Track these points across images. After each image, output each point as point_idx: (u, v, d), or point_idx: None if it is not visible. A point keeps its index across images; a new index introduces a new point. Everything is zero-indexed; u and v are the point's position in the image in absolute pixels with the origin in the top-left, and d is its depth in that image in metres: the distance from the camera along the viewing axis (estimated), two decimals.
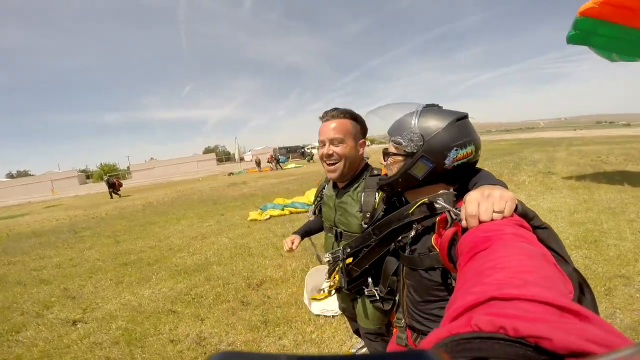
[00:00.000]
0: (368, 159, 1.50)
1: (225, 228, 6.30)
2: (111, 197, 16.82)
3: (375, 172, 1.39)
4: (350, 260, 1.20)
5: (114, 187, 17.17)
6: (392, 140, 0.90)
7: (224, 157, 65.14)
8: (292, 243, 1.68)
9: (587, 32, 6.48)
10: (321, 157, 1.38)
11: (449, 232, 0.70)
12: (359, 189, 1.39)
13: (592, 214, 4.72)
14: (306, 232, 1.80)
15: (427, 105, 0.91)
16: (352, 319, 1.67)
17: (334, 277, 1.32)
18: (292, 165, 26.97)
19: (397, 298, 1.17)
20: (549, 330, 0.26)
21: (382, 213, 1.17)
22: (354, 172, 1.42)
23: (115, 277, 4.10)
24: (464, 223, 0.64)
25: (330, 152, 1.33)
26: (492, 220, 0.60)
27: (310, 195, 7.73)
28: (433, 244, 0.85)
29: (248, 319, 2.69)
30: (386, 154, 0.95)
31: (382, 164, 1.01)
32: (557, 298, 0.32)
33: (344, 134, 1.33)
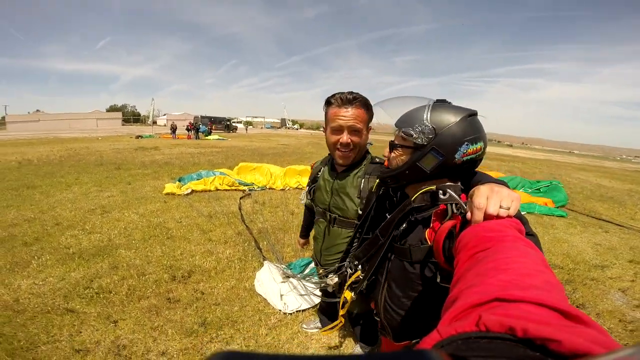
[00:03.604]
0: (372, 144, 1.49)
1: (134, 201, 5.31)
2: None
3: (377, 160, 1.41)
4: (358, 273, 1.15)
5: None
6: (402, 132, 0.89)
7: (132, 118, 56.63)
8: (299, 244, 1.99)
9: None
10: (334, 144, 1.34)
11: (447, 225, 0.71)
12: (359, 174, 1.40)
13: None
14: (309, 230, 1.93)
15: (438, 101, 0.92)
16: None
17: (344, 297, 1.21)
18: (215, 137, 25.01)
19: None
20: (558, 333, 0.26)
21: (374, 204, 1.16)
22: (358, 158, 1.44)
23: None
24: (468, 215, 0.65)
25: (349, 141, 1.32)
26: (498, 215, 0.61)
27: (242, 173, 7.19)
28: (426, 237, 0.86)
29: (179, 320, 2.24)
30: (393, 146, 0.95)
31: (384, 156, 1.00)
32: (560, 302, 0.32)
33: (363, 124, 1.33)
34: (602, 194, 9.82)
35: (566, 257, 4.07)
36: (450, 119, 0.85)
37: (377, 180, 1.17)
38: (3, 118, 41.35)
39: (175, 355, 1.92)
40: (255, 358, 0.22)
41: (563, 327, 0.28)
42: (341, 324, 1.33)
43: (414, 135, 0.87)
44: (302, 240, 2.01)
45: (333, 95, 1.32)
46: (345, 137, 1.30)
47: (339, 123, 1.29)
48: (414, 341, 1.03)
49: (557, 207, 6.60)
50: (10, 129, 35.44)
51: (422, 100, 0.92)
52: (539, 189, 7.89)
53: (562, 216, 6.07)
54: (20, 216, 4.35)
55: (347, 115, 1.28)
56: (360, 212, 1.33)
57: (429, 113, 0.87)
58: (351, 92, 1.30)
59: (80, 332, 2.07)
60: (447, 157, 0.85)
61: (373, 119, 1.37)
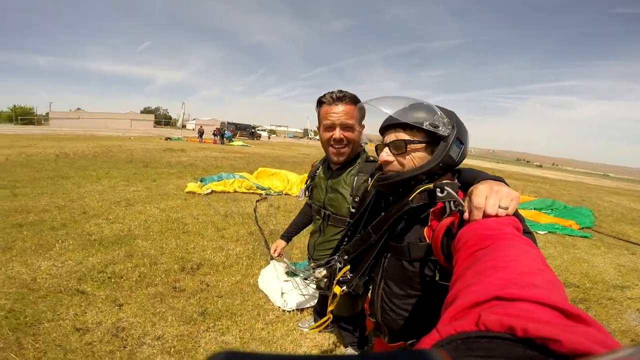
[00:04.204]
0: (367, 143, 1.51)
1: (157, 196, 5.55)
2: None
3: (372, 158, 1.42)
4: (347, 268, 1.13)
5: None
6: (428, 124, 0.85)
7: (164, 120, 59.96)
8: (275, 251, 1.78)
9: None
10: (328, 141, 1.38)
11: (445, 222, 0.71)
12: (352, 172, 1.41)
13: None
14: (292, 234, 1.85)
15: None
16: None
17: (334, 293, 1.19)
18: (240, 143, 25.74)
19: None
20: (559, 333, 0.26)
21: (371, 203, 1.11)
22: (353, 156, 1.45)
23: (3, 241, 3.21)
24: (466, 215, 0.65)
25: (342, 137, 1.34)
26: (496, 215, 0.61)
27: (260, 178, 7.34)
28: (425, 235, 0.85)
29: (181, 308, 2.28)
30: (409, 142, 0.87)
31: (385, 161, 0.92)
32: (561, 301, 0.32)
33: (354, 120, 1.34)
34: (634, 217, 9.19)
35: (584, 276, 3.88)
36: (453, 113, 0.88)
37: (373, 179, 1.13)
38: (47, 114, 45.24)
39: (169, 341, 1.94)
40: (255, 358, 0.21)
41: (563, 326, 0.28)
42: (329, 320, 1.31)
43: (440, 127, 0.85)
44: (281, 243, 1.80)
45: (324, 95, 1.35)
46: (337, 133, 1.33)
47: (331, 120, 1.33)
48: (408, 342, 1.00)
49: (582, 229, 6.25)
50: (52, 124, 38.82)
51: (405, 100, 0.92)
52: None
53: (585, 237, 5.73)
54: (52, 203, 4.64)
55: (338, 112, 1.32)
56: (352, 209, 1.34)
57: (438, 108, 0.87)
58: (340, 91, 1.33)
59: (85, 313, 2.15)
60: (465, 147, 0.87)
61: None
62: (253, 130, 40.33)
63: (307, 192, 1.66)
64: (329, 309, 1.23)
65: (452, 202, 0.74)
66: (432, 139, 0.87)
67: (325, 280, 1.25)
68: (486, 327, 0.29)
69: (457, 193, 0.74)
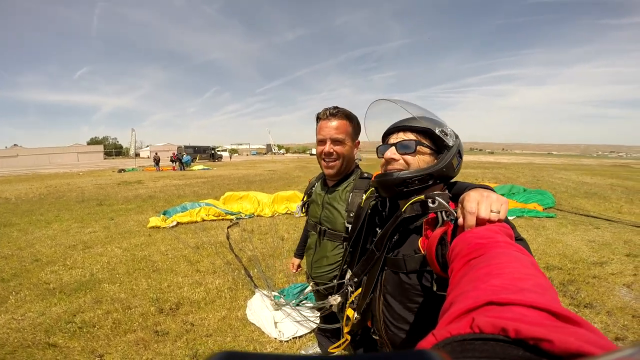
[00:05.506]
0: (361, 160, 1.57)
1: (117, 236, 5.20)
2: None
3: (366, 175, 1.46)
4: (359, 291, 1.09)
5: None
6: (438, 130, 0.89)
7: (114, 150, 56.02)
8: (293, 267, 1.86)
9: None
10: (320, 155, 1.43)
11: (438, 232, 0.72)
12: (348, 188, 1.44)
13: None
14: (303, 250, 1.84)
15: None
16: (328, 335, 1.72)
17: (348, 315, 1.13)
18: (200, 166, 24.79)
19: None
20: (550, 332, 0.26)
21: (366, 219, 1.09)
22: (347, 172, 1.48)
23: None
24: (460, 221, 0.66)
25: (331, 150, 1.39)
26: (489, 219, 0.63)
27: (228, 202, 7.16)
28: (419, 246, 0.84)
29: (169, 352, 2.17)
30: (419, 143, 0.89)
31: (391, 158, 0.91)
32: (551, 304, 0.32)
33: (345, 135, 1.39)
34: (586, 190, 10.04)
35: (563, 257, 4.08)
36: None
37: (367, 195, 1.16)
38: None
39: None
40: (255, 358, 0.22)
41: (555, 327, 0.28)
42: (347, 341, 1.23)
43: (448, 136, 0.88)
44: (296, 261, 1.89)
45: (320, 112, 1.43)
46: (327, 147, 1.39)
47: (322, 135, 1.40)
48: None
49: (545, 209, 6.81)
50: None
51: (414, 106, 0.96)
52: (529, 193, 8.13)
53: (551, 217, 6.24)
54: None
55: (330, 126, 1.39)
56: (347, 224, 1.35)
57: (443, 120, 0.91)
58: (335, 107, 1.40)
59: None
60: (462, 160, 0.92)
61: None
62: (213, 151, 38.89)
63: (303, 209, 1.70)
64: (346, 330, 1.18)
65: (444, 212, 0.75)
66: (437, 147, 0.90)
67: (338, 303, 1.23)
68: (480, 329, 0.30)
69: (448, 203, 0.76)
